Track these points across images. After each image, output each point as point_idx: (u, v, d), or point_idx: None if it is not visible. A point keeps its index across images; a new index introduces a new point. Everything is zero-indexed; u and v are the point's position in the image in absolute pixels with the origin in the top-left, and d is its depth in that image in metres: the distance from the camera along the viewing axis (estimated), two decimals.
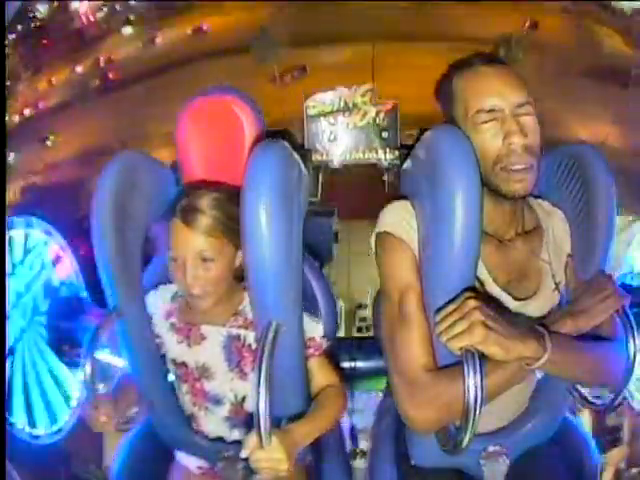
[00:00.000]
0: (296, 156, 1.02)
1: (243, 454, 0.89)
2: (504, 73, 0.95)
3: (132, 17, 19.76)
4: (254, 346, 1.10)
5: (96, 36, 19.82)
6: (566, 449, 1.18)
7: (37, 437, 1.68)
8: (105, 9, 20.43)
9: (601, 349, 0.96)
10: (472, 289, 0.88)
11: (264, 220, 0.90)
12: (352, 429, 1.72)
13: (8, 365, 1.62)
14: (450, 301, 0.85)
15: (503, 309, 0.96)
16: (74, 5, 20.46)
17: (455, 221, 0.86)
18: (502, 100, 0.93)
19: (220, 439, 1.17)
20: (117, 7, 20.52)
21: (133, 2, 20.22)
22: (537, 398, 1.11)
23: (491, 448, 1.06)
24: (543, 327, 0.88)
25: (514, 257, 1.01)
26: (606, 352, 0.96)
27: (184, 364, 1.14)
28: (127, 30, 19.51)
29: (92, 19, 20.33)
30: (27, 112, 17.61)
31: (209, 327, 1.11)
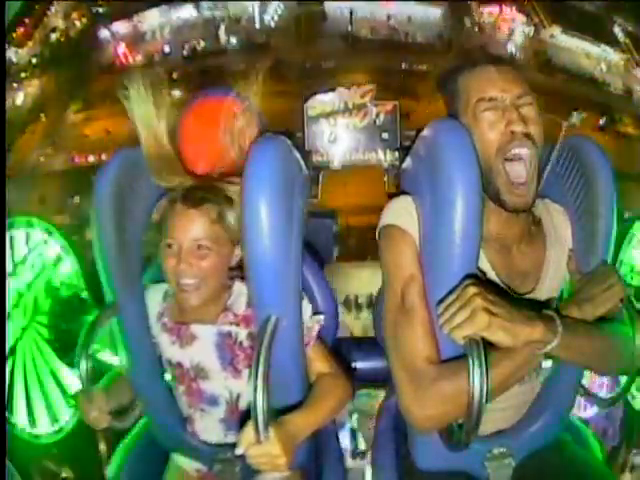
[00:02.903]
0: (296, 152, 1.03)
1: (239, 451, 0.87)
2: (506, 70, 0.98)
3: None
4: (246, 344, 1.09)
5: None
6: (570, 451, 1.17)
7: (37, 436, 1.69)
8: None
9: (610, 333, 0.95)
10: (472, 276, 0.87)
11: (264, 211, 0.90)
12: (351, 429, 1.71)
13: (9, 364, 1.62)
14: (452, 292, 0.85)
15: (506, 294, 0.95)
16: None
17: (455, 213, 0.86)
18: (503, 91, 0.95)
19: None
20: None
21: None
22: (542, 399, 1.10)
23: (496, 450, 1.06)
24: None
25: (517, 259, 1.02)
26: (615, 338, 0.96)
27: (180, 365, 1.14)
28: None
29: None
30: None
31: (199, 326, 1.11)
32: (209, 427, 1.17)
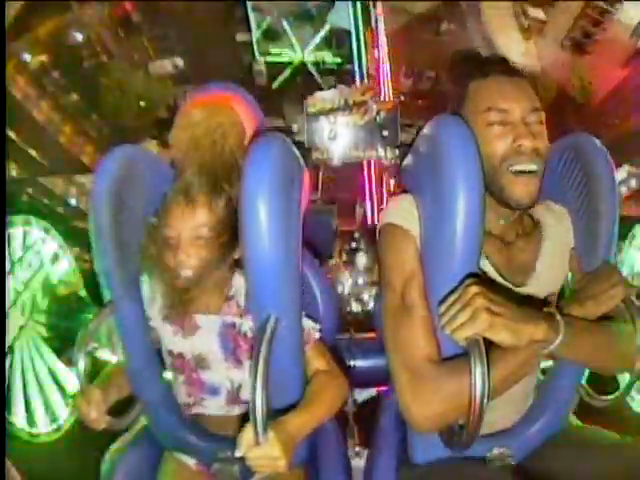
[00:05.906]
0: (295, 150, 1.02)
1: (238, 453, 0.87)
2: (518, 82, 0.97)
3: None
4: (249, 334, 1.09)
5: None
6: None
7: (36, 435, 1.68)
8: None
9: (613, 332, 0.95)
10: (473, 276, 0.86)
11: (263, 210, 0.89)
12: (350, 427, 1.71)
13: (7, 363, 1.61)
14: (453, 292, 0.84)
15: (509, 293, 0.94)
16: None
17: (457, 210, 0.86)
18: (514, 103, 0.94)
19: (216, 440, 1.16)
20: None
21: None
22: (542, 399, 1.10)
23: (496, 450, 1.05)
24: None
25: (516, 258, 1.02)
26: (617, 336, 0.95)
27: (181, 355, 1.14)
28: None
29: None
30: None
31: (204, 316, 1.11)
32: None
